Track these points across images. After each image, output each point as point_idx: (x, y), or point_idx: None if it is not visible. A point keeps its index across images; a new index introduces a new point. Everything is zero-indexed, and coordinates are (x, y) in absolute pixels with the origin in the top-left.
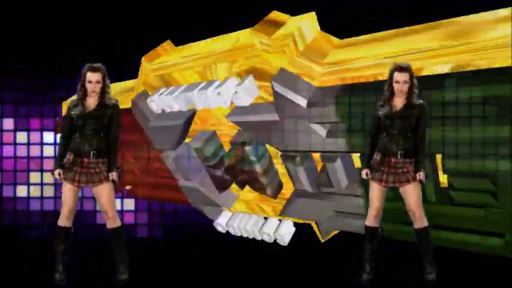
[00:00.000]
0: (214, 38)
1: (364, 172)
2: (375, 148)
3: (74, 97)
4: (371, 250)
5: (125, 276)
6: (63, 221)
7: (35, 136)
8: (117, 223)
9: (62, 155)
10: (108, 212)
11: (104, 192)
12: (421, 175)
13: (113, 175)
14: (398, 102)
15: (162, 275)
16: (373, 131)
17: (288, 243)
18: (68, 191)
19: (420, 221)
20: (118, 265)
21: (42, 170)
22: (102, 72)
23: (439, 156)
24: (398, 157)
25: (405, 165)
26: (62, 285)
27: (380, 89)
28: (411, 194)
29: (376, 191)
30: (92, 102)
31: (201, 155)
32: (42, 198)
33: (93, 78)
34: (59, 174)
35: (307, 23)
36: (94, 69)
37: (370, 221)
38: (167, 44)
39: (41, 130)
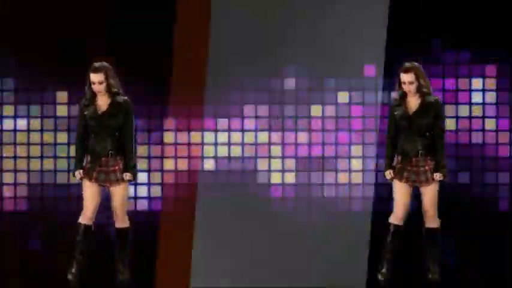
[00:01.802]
0: None
1: (387, 173)
2: (395, 148)
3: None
4: (391, 252)
5: (123, 277)
6: (85, 219)
7: None
8: (125, 224)
9: (80, 156)
10: (118, 211)
11: (117, 192)
12: (437, 176)
13: (127, 175)
14: (413, 101)
15: None
16: (392, 132)
17: None
18: (89, 188)
19: (432, 220)
20: (117, 265)
21: None
22: (104, 72)
23: None
24: (419, 156)
25: (426, 162)
26: (73, 284)
27: None
28: (427, 193)
29: (400, 190)
30: (103, 101)
31: None
32: None
33: (95, 79)
34: (79, 174)
35: None
36: (95, 70)
37: (396, 219)
38: None
39: None
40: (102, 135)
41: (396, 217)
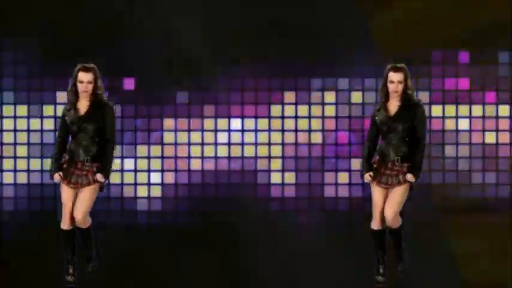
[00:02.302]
0: None
1: (367, 175)
2: (373, 152)
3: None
4: (382, 254)
5: (91, 266)
6: (65, 225)
7: None
8: (85, 225)
9: (58, 158)
10: (78, 212)
11: (83, 193)
12: (408, 176)
13: (99, 175)
14: (394, 105)
15: None
16: (372, 135)
17: None
18: (65, 192)
19: (392, 222)
20: (87, 253)
21: None
22: (94, 73)
23: None
24: (396, 162)
25: (402, 168)
26: (73, 286)
27: None
28: (393, 195)
29: (377, 193)
30: (84, 105)
31: None
32: None
33: (84, 79)
34: (59, 176)
35: None
36: (86, 69)
37: (376, 224)
38: None
39: None
40: (81, 139)
41: (375, 222)
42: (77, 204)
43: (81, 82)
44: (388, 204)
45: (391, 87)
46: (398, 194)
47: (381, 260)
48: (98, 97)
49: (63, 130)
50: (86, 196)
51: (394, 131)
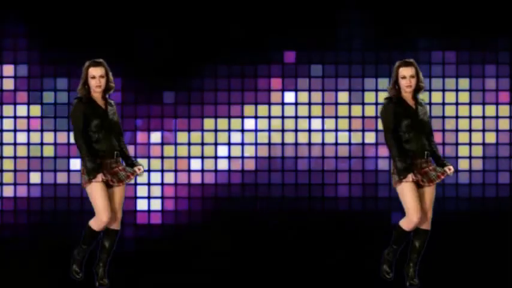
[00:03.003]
0: None
1: (411, 176)
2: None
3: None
4: (396, 254)
5: (104, 281)
6: (102, 225)
7: None
8: (119, 226)
9: (93, 156)
10: (118, 212)
11: (120, 192)
12: (451, 169)
13: (140, 168)
14: (409, 98)
15: None
16: (393, 129)
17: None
18: (104, 192)
19: (428, 222)
20: (97, 270)
21: None
22: (105, 67)
23: None
24: (425, 157)
25: (428, 163)
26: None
27: None
28: (430, 192)
29: (414, 194)
30: (100, 100)
31: None
32: None
33: (96, 73)
34: (101, 176)
35: None
36: (96, 64)
37: (412, 226)
38: None
39: None
40: (108, 134)
41: (412, 225)
42: (116, 205)
43: (93, 78)
44: (428, 205)
45: (403, 82)
46: (432, 193)
47: (392, 259)
48: (108, 91)
49: (81, 125)
50: (123, 193)
51: (421, 125)
